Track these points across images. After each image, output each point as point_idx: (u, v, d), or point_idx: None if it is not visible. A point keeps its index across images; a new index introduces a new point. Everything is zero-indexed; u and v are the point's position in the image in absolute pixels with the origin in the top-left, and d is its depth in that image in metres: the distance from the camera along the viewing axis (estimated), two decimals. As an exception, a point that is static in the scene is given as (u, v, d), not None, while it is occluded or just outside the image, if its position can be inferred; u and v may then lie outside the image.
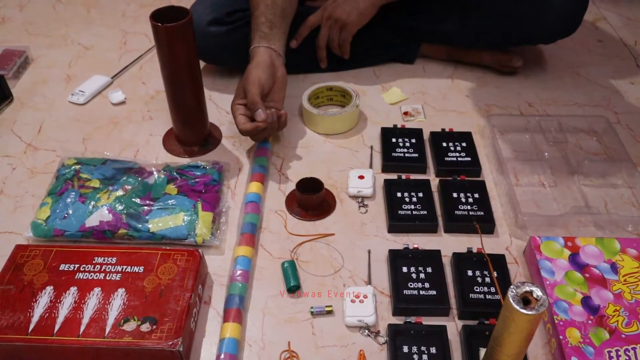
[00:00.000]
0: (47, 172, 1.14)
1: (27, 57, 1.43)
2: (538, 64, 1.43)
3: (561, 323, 0.86)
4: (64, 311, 0.85)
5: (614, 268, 0.93)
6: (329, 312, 0.91)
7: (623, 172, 1.14)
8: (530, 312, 0.69)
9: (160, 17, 1.00)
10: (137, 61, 1.43)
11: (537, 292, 0.70)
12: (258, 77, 1.08)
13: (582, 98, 1.34)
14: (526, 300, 0.70)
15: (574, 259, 0.94)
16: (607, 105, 1.32)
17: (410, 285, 0.93)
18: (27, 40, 1.50)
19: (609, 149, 1.19)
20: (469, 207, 1.05)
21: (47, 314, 0.85)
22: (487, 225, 1.03)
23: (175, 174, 1.08)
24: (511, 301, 0.70)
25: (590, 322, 0.86)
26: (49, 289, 0.88)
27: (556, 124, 1.23)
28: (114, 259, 0.92)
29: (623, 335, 0.85)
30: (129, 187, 1.05)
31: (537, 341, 0.89)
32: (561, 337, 0.85)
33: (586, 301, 0.89)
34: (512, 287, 0.71)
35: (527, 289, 0.71)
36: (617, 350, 0.83)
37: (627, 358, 0.82)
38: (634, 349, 0.83)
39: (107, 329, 0.83)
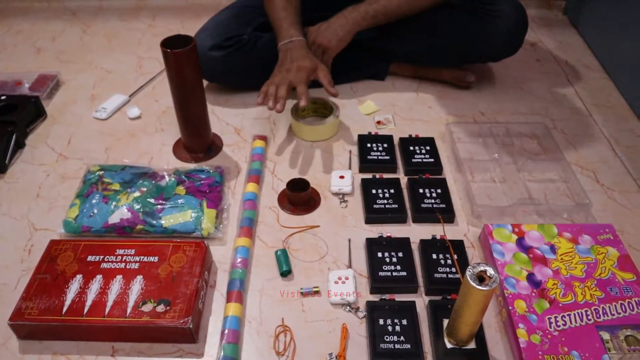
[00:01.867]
0: (75, 177, 1.12)
1: (58, 81, 1.41)
2: (489, 81, 1.43)
3: (510, 296, 0.86)
4: (91, 295, 0.84)
5: (553, 249, 0.93)
6: (316, 292, 0.90)
7: (559, 169, 1.14)
8: (484, 288, 0.69)
9: (169, 44, 0.99)
10: (151, 82, 1.42)
11: (490, 271, 0.70)
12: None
13: (525, 108, 1.34)
14: (481, 278, 0.70)
15: (520, 242, 0.94)
16: (545, 114, 1.32)
17: (385, 267, 0.92)
18: (58, 66, 1.48)
19: (547, 150, 1.19)
20: (432, 201, 1.04)
21: (78, 298, 0.84)
22: (448, 215, 1.03)
23: (183, 177, 1.07)
24: (469, 279, 0.70)
25: (533, 294, 0.86)
26: (79, 277, 0.87)
27: (504, 130, 1.23)
28: (133, 251, 0.91)
29: (560, 305, 0.85)
30: (145, 189, 1.03)
31: (490, 312, 0.88)
32: (510, 307, 0.84)
33: (530, 277, 0.89)
34: (469, 267, 0.71)
35: (482, 268, 0.70)
36: (555, 317, 0.83)
37: (564, 323, 0.82)
38: (569, 315, 0.83)
39: (128, 310, 0.82)
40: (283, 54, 1.17)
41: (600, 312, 0.84)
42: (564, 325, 0.82)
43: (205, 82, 1.27)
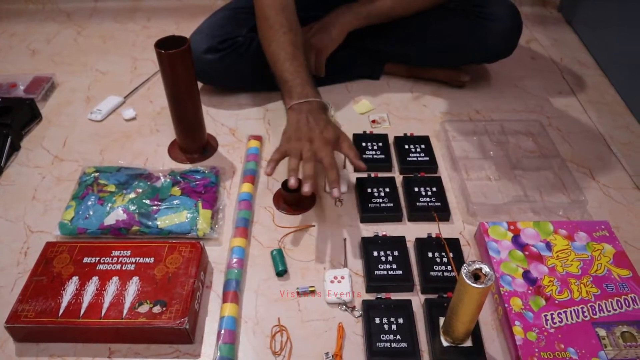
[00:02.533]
0: (71, 179, 1.12)
1: (53, 83, 1.40)
2: (484, 79, 1.43)
3: (506, 293, 0.86)
4: (87, 297, 0.84)
5: (549, 246, 0.93)
6: (312, 292, 0.90)
7: (554, 166, 1.14)
8: (480, 286, 0.69)
9: (163, 45, 0.99)
10: (145, 83, 1.41)
11: (485, 268, 0.70)
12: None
13: (519, 106, 1.34)
14: (476, 275, 0.70)
15: (515, 240, 0.94)
16: (540, 111, 1.32)
17: (380, 266, 0.92)
18: (53, 68, 1.48)
19: (543, 147, 1.19)
20: (428, 199, 1.04)
21: (74, 300, 0.84)
22: (443, 214, 1.03)
23: (179, 178, 1.07)
24: (464, 277, 0.70)
25: (529, 291, 0.86)
26: (75, 278, 0.87)
27: (499, 128, 1.23)
28: (129, 252, 0.90)
29: (556, 301, 0.85)
30: (140, 190, 1.03)
31: (487, 309, 0.88)
32: (506, 305, 0.84)
33: (526, 274, 0.89)
34: (464, 265, 0.71)
35: (477, 266, 0.70)
36: (551, 314, 0.83)
37: (560, 320, 0.82)
38: (565, 312, 0.83)
39: (125, 312, 0.82)
40: (298, 116, 0.98)
41: (597, 309, 0.84)
42: (560, 322, 0.82)
43: (200, 84, 1.28)
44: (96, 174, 1.07)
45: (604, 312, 0.83)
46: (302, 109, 0.99)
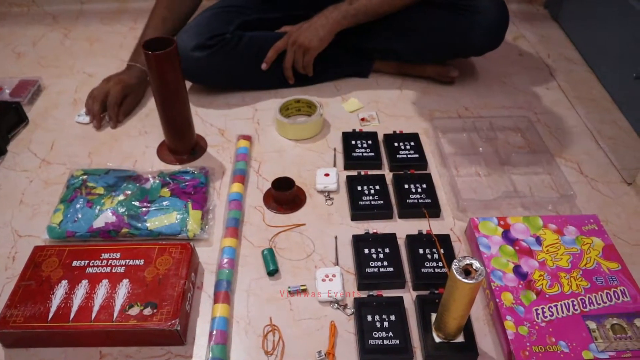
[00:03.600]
0: (59, 182, 1.11)
1: (39, 86, 1.39)
2: (472, 76, 1.44)
3: (497, 288, 0.86)
4: (77, 301, 0.83)
5: (539, 241, 0.94)
6: (304, 291, 0.90)
7: (543, 162, 1.14)
8: (470, 281, 0.69)
9: (151, 47, 0.98)
10: None
11: (476, 264, 0.70)
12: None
13: (508, 102, 1.35)
14: (467, 271, 0.70)
15: (506, 235, 0.95)
16: (528, 107, 1.33)
17: (372, 264, 0.92)
18: (39, 71, 1.46)
19: (531, 143, 1.19)
20: (418, 196, 1.05)
21: (63, 304, 0.83)
22: (433, 210, 1.03)
23: (168, 179, 1.06)
24: (455, 273, 0.70)
25: (520, 286, 0.86)
26: (64, 282, 0.86)
27: (488, 124, 1.23)
28: (119, 254, 0.90)
29: (547, 295, 0.85)
30: (129, 192, 1.02)
31: (478, 305, 0.89)
32: (497, 300, 0.85)
33: (517, 269, 0.89)
34: (455, 261, 0.71)
35: (468, 262, 0.71)
36: (542, 308, 0.83)
37: (551, 313, 0.83)
38: (555, 305, 0.84)
39: (115, 314, 0.81)
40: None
41: (587, 302, 0.84)
42: (551, 316, 0.82)
43: (188, 84, 1.27)
44: (84, 177, 1.07)
45: (594, 305, 0.84)
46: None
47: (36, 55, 1.54)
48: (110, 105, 1.24)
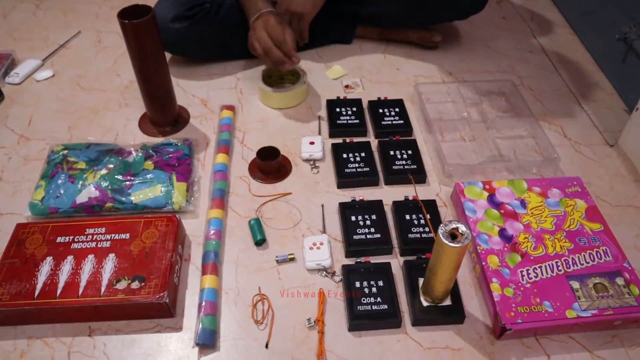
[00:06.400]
0: (39, 158, 1.08)
1: (13, 60, 1.35)
2: (455, 40, 1.42)
3: (483, 252, 0.87)
4: (63, 277, 0.83)
5: (523, 204, 0.94)
6: (292, 260, 0.90)
7: (527, 126, 1.14)
8: (457, 245, 0.69)
9: (127, 16, 0.95)
10: (68, 42, 1.43)
11: (462, 228, 0.71)
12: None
13: (491, 66, 1.34)
14: (453, 235, 0.71)
15: (491, 199, 0.95)
16: (512, 71, 1.32)
17: (359, 231, 0.92)
18: (12, 45, 1.42)
19: (515, 107, 1.19)
20: (404, 162, 1.05)
21: (49, 281, 0.82)
22: (419, 176, 1.03)
23: (151, 151, 1.04)
24: (441, 237, 0.70)
25: (505, 249, 0.88)
26: (49, 259, 0.85)
27: (472, 89, 1.23)
28: (103, 229, 0.89)
29: (532, 257, 0.86)
30: (112, 166, 1.01)
31: (465, 268, 0.90)
32: (484, 263, 0.86)
33: (502, 232, 0.90)
34: (441, 225, 0.71)
35: (454, 226, 0.71)
36: (527, 270, 0.85)
37: (535, 275, 0.84)
38: (540, 267, 0.85)
39: (102, 289, 0.81)
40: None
41: (570, 263, 0.86)
42: (536, 277, 0.84)
43: (169, 55, 1.24)
44: (65, 152, 1.04)
45: (577, 266, 0.85)
46: (259, 22, 1.13)
47: (8, 28, 1.49)
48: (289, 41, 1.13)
